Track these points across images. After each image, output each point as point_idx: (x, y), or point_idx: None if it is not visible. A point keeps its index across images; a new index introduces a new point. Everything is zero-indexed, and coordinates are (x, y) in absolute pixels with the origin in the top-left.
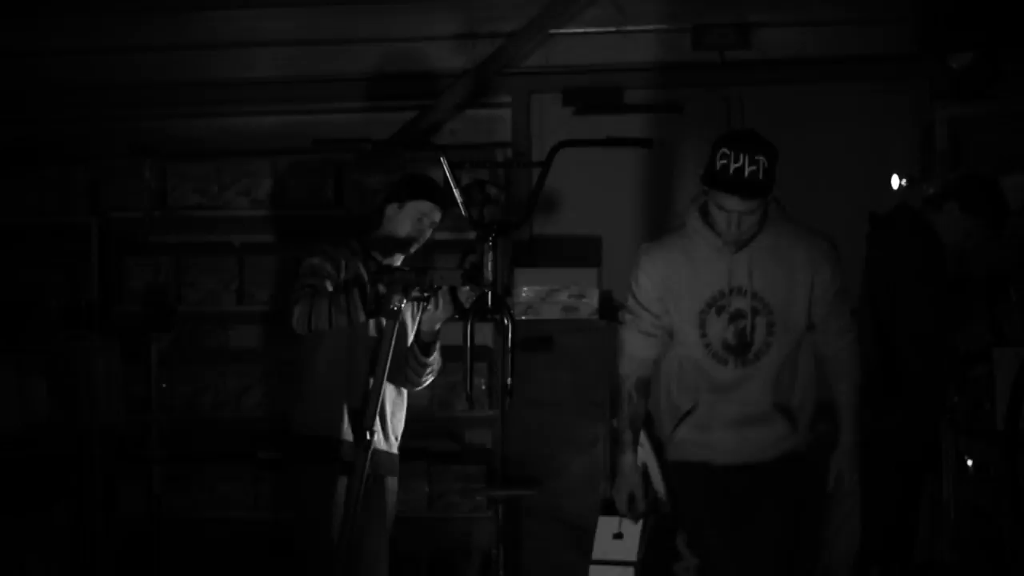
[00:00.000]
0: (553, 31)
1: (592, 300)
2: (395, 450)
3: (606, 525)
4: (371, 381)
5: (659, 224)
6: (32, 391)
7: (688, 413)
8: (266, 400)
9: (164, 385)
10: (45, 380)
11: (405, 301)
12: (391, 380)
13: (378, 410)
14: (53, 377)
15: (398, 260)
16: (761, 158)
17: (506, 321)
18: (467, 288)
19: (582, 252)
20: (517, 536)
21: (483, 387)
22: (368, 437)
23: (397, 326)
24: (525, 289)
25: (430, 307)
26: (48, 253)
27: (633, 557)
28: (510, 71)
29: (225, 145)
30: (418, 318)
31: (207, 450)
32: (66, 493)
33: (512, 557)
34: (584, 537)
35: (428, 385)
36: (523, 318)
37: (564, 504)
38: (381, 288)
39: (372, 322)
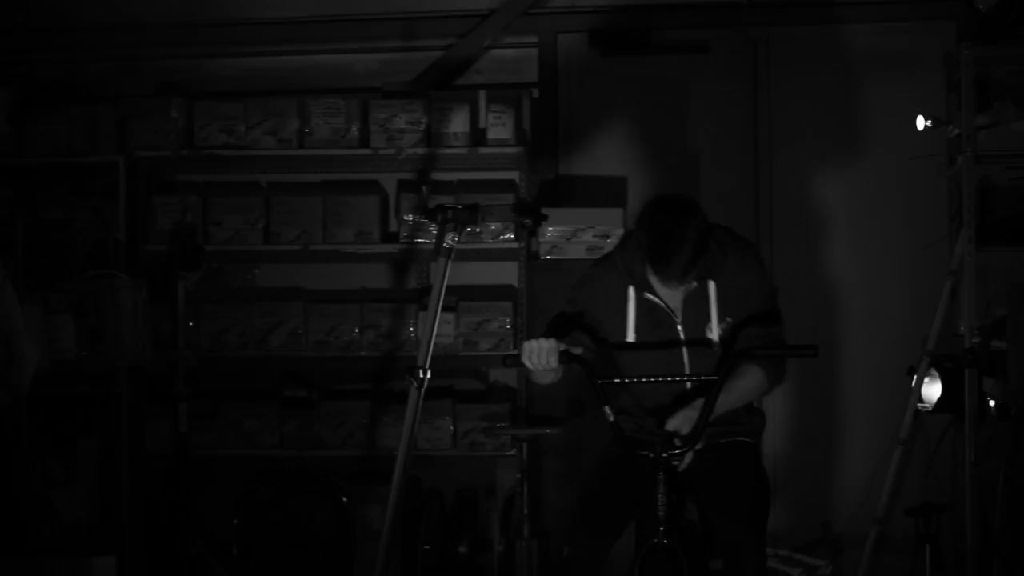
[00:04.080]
0: None
1: (617, 240)
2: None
3: None
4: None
5: (684, 164)
6: (60, 329)
7: None
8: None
9: (191, 323)
10: (73, 318)
11: (457, 239)
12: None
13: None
14: (81, 315)
15: None
16: None
17: None
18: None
19: (608, 192)
20: (540, 474)
21: (508, 326)
22: (420, 376)
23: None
24: (550, 229)
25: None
26: (76, 191)
27: None
28: (536, 11)
29: (252, 84)
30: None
31: (233, 388)
32: (93, 430)
33: (535, 495)
34: None
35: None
36: (548, 257)
37: (586, 443)
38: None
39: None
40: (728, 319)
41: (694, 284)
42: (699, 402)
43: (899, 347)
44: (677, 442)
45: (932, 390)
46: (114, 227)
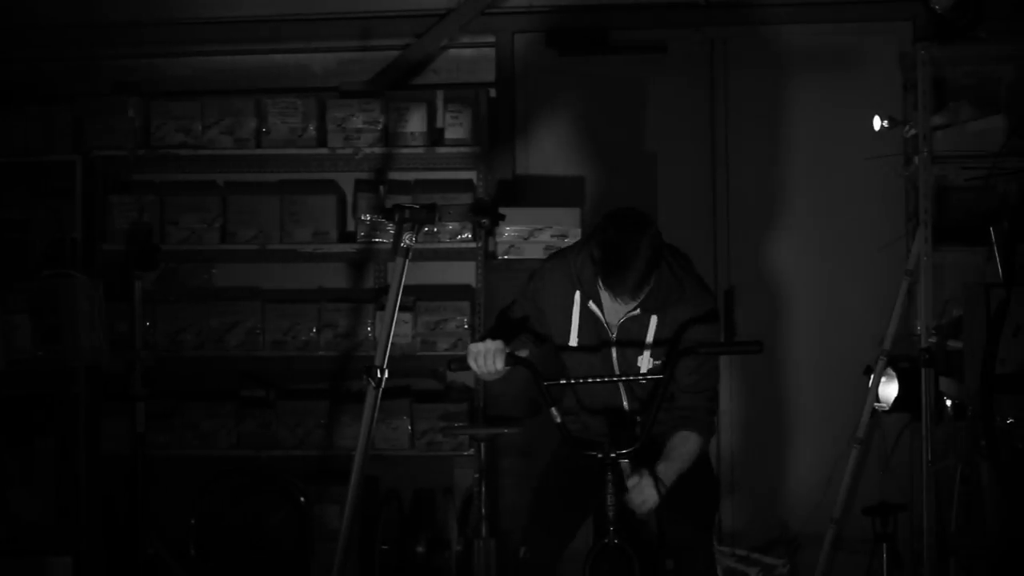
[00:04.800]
0: None
1: (574, 239)
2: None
3: None
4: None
5: (641, 164)
6: (16, 328)
7: None
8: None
9: (148, 323)
10: (29, 317)
11: (415, 239)
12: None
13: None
14: (37, 314)
15: None
16: None
17: None
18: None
19: (565, 192)
20: (498, 474)
21: (465, 326)
22: (378, 375)
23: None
24: (508, 229)
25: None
26: (32, 191)
27: None
28: (493, 10)
29: (209, 84)
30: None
31: (190, 388)
32: (49, 430)
33: (493, 495)
34: None
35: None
36: (505, 257)
37: (542, 443)
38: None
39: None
40: (661, 359)
41: (636, 311)
42: (658, 471)
43: (856, 347)
44: (623, 453)
45: (889, 390)
46: (71, 227)
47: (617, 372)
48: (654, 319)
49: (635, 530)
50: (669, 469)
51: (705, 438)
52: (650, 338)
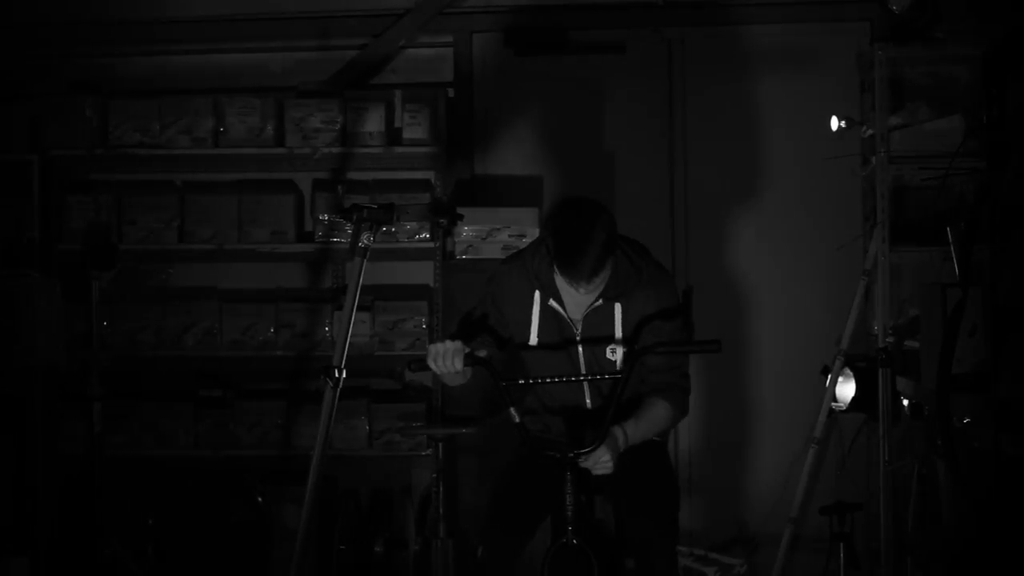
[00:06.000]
0: None
1: (533, 239)
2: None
3: None
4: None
5: (599, 164)
6: None
7: None
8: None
9: (105, 323)
10: None
11: (372, 238)
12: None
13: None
14: None
15: None
16: None
17: None
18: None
19: (523, 192)
20: (456, 474)
21: (423, 326)
22: (336, 375)
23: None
24: (466, 228)
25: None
26: None
27: None
28: (451, 10)
29: (167, 83)
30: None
31: (148, 388)
32: (6, 431)
33: (451, 495)
34: None
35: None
36: (463, 257)
37: (501, 442)
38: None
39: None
40: (633, 346)
41: (599, 302)
42: (612, 440)
43: (813, 347)
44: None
45: (846, 389)
46: (27, 226)
47: (584, 369)
48: (618, 308)
49: (595, 529)
50: (637, 429)
51: (676, 412)
52: (619, 331)
